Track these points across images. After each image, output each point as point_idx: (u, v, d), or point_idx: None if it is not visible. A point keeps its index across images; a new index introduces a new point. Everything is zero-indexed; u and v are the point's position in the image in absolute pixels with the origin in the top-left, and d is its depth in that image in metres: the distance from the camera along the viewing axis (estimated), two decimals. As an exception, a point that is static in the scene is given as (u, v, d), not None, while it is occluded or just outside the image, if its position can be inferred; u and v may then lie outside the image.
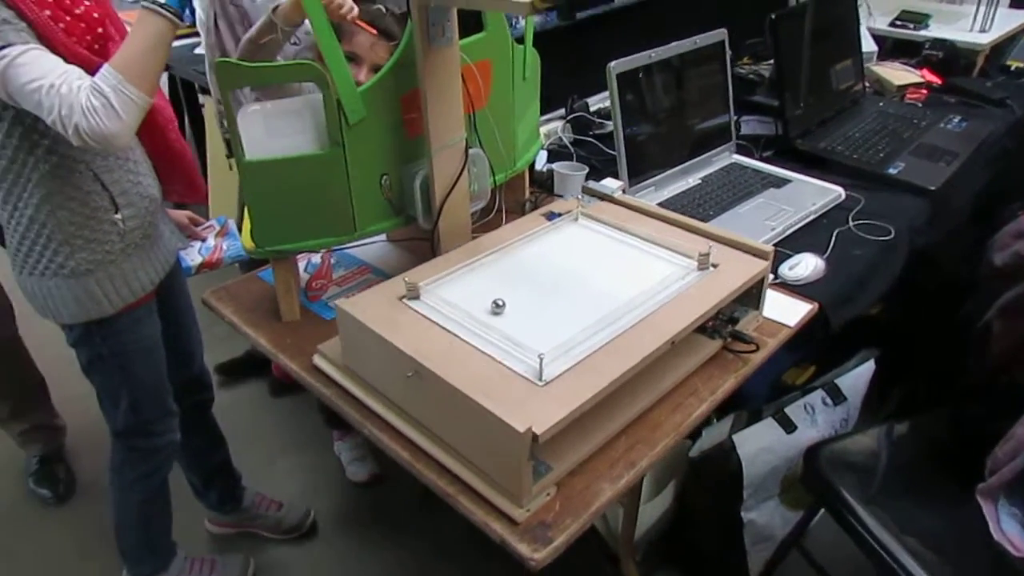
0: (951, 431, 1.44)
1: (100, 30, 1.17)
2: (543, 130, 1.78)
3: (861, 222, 1.43)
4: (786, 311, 1.19)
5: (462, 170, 1.14)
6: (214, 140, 2.68)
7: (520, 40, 1.28)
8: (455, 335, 0.94)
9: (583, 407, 0.83)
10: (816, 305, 1.21)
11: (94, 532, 1.90)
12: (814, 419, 1.61)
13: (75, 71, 1.04)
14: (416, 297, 1.02)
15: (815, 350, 1.91)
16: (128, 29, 1.11)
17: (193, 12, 2.79)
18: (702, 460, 1.54)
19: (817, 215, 1.45)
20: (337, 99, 1.03)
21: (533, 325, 0.96)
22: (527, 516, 0.84)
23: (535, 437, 0.78)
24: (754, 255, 1.09)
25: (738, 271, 1.06)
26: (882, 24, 2.34)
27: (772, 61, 2.05)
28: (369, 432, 0.98)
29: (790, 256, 1.29)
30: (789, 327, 1.16)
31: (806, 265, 1.27)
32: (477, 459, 0.87)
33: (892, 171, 1.58)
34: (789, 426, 1.58)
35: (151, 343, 1.41)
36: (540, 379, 0.86)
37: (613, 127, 1.42)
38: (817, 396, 1.65)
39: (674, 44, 1.48)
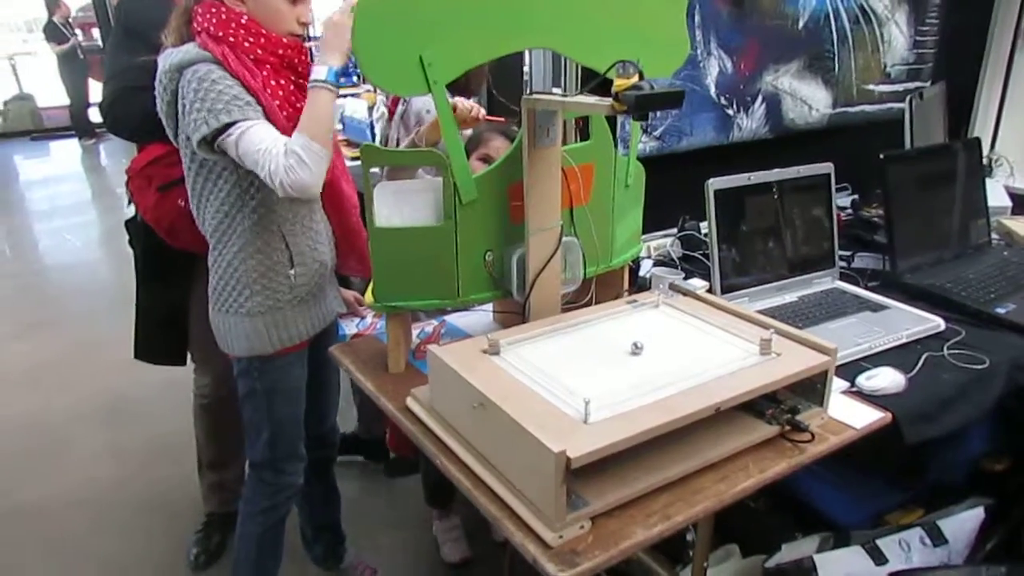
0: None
1: None
2: (653, 244, 1.93)
3: (956, 351, 1.43)
4: (855, 414, 1.21)
5: (554, 252, 1.31)
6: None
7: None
8: (520, 381, 1.07)
9: (617, 445, 0.92)
10: (888, 415, 1.22)
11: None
12: (909, 556, 1.54)
13: (282, 139, 1.35)
14: (496, 353, 1.16)
15: (926, 494, 1.83)
16: None
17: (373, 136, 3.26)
18: (777, 573, 1.50)
19: (910, 340, 1.46)
20: (454, 181, 1.25)
21: (592, 381, 1.07)
22: (560, 543, 0.92)
23: (568, 461, 0.88)
24: (818, 351, 1.15)
25: (799, 360, 1.12)
26: (1022, 183, 2.32)
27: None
28: (441, 463, 1.11)
29: (869, 368, 1.32)
30: (855, 429, 1.18)
31: (883, 377, 1.29)
32: (522, 485, 0.97)
33: (1000, 311, 1.57)
34: (880, 559, 1.52)
35: (295, 388, 1.64)
36: (585, 420, 0.96)
37: (709, 238, 1.54)
38: (915, 534, 1.58)
39: (776, 171, 1.60)
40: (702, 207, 2.04)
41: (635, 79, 1.02)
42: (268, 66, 1.41)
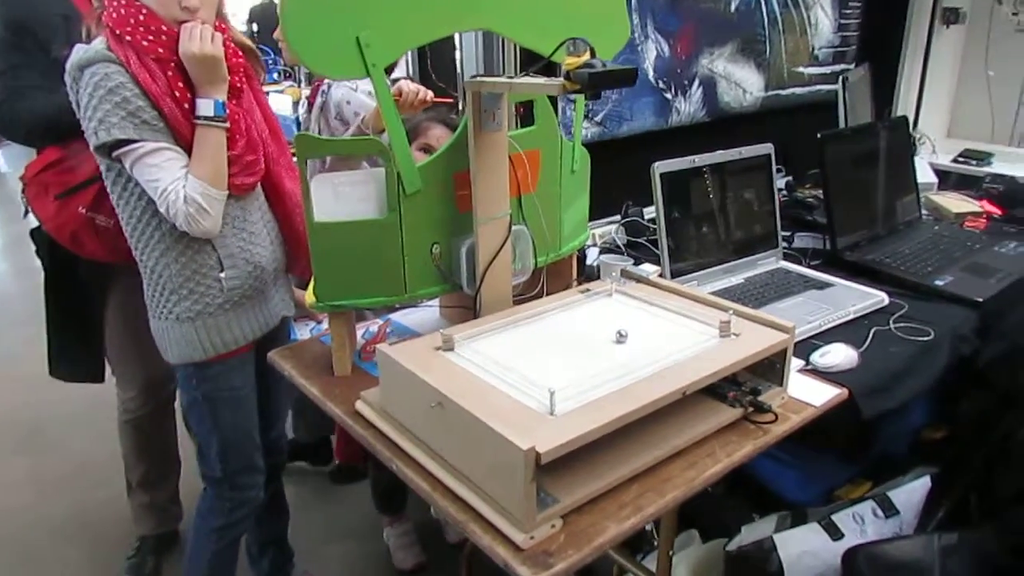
0: (1001, 543, 1.36)
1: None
2: (598, 232, 1.90)
3: (902, 325, 1.45)
4: (813, 393, 1.21)
5: (504, 242, 1.26)
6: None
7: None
8: (478, 377, 1.02)
9: (586, 436, 0.88)
10: (845, 391, 1.22)
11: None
12: (863, 529, 1.56)
13: (180, 180, 1.29)
14: (451, 349, 1.10)
15: (871, 467, 1.86)
16: None
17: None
18: (739, 557, 1.49)
19: (857, 316, 1.47)
20: (397, 171, 1.18)
21: (553, 371, 1.02)
22: (531, 544, 0.87)
23: (538, 457, 0.83)
24: (777, 330, 1.14)
25: (759, 340, 1.10)
26: (945, 160, 2.40)
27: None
28: (397, 468, 1.05)
29: (820, 345, 1.32)
30: (815, 407, 1.17)
31: (836, 354, 1.29)
32: (487, 486, 0.92)
33: (939, 283, 1.60)
34: (836, 533, 1.53)
35: (240, 395, 1.55)
36: (551, 412, 0.92)
37: (657, 222, 1.52)
38: (868, 506, 1.60)
39: (719, 153, 1.60)
40: (645, 193, 2.02)
41: (586, 57, 0.98)
42: (173, 65, 1.30)
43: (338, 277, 1.24)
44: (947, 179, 2.33)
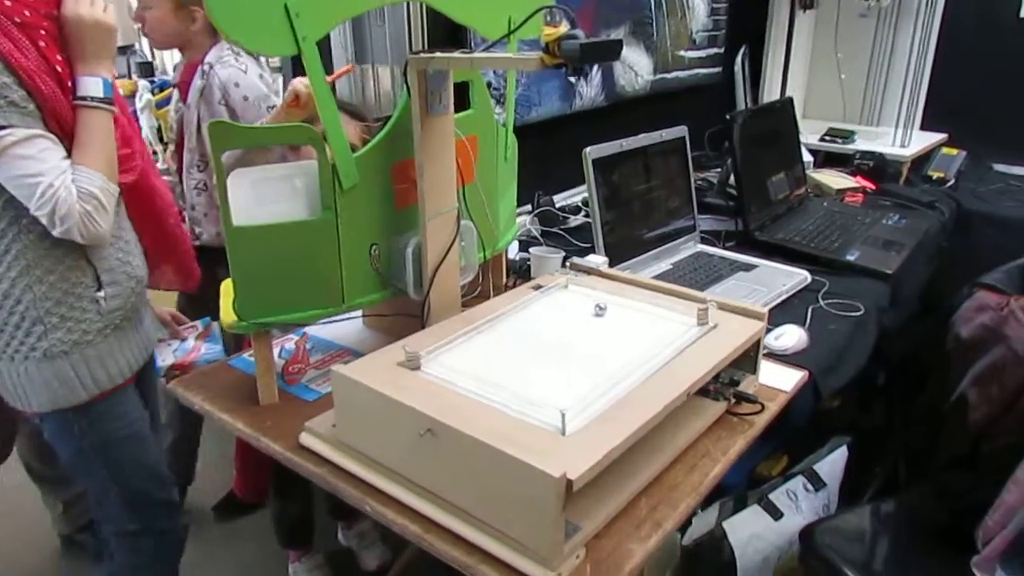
0: (938, 505, 1.43)
1: None
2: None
3: (831, 301, 1.47)
4: (780, 378, 1.18)
5: (454, 239, 1.13)
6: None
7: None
8: (464, 396, 0.89)
9: (612, 454, 0.78)
10: (807, 372, 1.21)
11: None
12: (798, 505, 1.58)
13: (67, 172, 1.05)
14: (417, 367, 0.96)
15: (786, 441, 1.91)
16: None
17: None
18: (695, 549, 1.47)
19: (788, 295, 1.48)
20: (332, 163, 1.02)
21: (546, 384, 0.92)
22: (557, 581, 0.77)
23: (570, 484, 0.73)
24: (749, 316, 1.09)
25: (737, 328, 1.06)
26: (812, 139, 2.52)
27: (719, 170, 2.18)
28: (371, 509, 0.90)
29: (772, 329, 1.31)
30: (786, 392, 1.15)
31: (790, 335, 1.28)
32: (499, 521, 0.80)
33: (850, 257, 1.65)
34: (775, 513, 1.54)
35: (136, 427, 1.30)
36: (563, 432, 0.81)
37: (590, 211, 1.45)
38: (799, 482, 1.62)
39: (643, 136, 1.55)
40: (554, 180, 1.96)
41: (564, 28, 0.88)
42: (43, 32, 1.06)
43: (264, 290, 1.05)
44: (817, 157, 2.45)
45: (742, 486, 1.73)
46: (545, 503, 0.73)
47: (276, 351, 1.26)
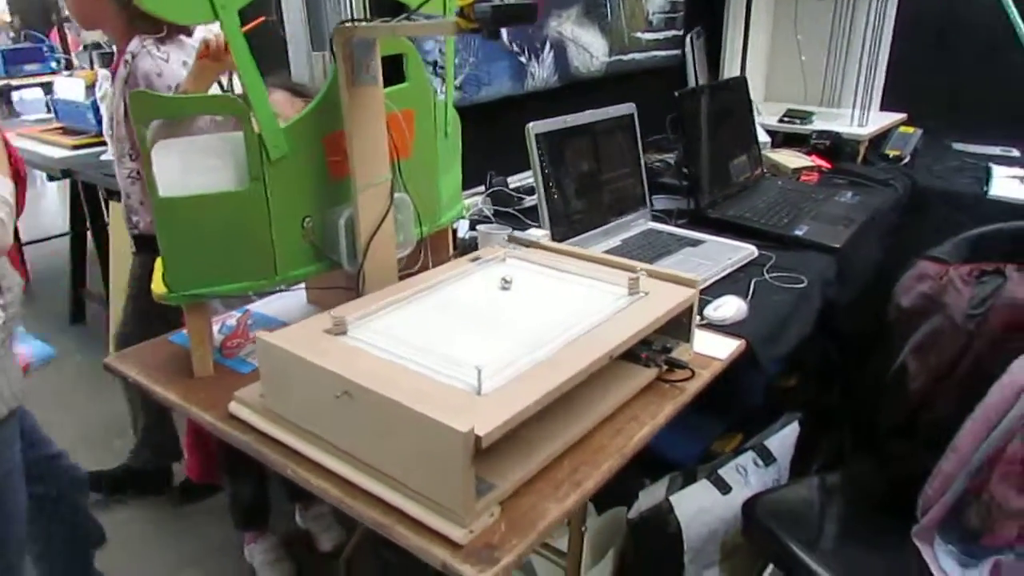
0: (880, 475, 1.45)
1: None
2: (464, 203, 1.80)
3: (776, 274, 1.48)
4: (716, 347, 1.19)
5: (388, 210, 1.13)
6: (119, 247, 2.58)
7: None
8: (384, 360, 0.89)
9: (525, 412, 0.79)
10: (744, 341, 1.22)
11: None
12: (747, 480, 1.60)
13: None
14: (343, 332, 0.97)
15: (741, 420, 1.93)
16: None
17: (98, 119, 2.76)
18: (641, 523, 1.48)
19: (734, 269, 1.49)
20: (258, 133, 1.02)
21: (468, 348, 0.92)
22: (471, 538, 0.77)
23: (478, 440, 0.73)
24: (681, 284, 1.10)
25: (668, 296, 1.06)
26: (771, 120, 2.53)
27: (675, 152, 2.20)
28: (292, 472, 0.90)
29: (712, 300, 1.32)
30: (720, 359, 1.16)
31: (729, 306, 1.29)
32: (413, 481, 0.80)
33: (798, 232, 1.67)
34: (724, 487, 1.55)
35: (17, 468, 1.24)
36: (478, 392, 0.81)
37: (534, 184, 1.45)
38: (748, 457, 1.64)
39: (588, 112, 1.55)
40: (507, 161, 1.96)
41: (478, -8, 0.88)
42: None
43: (194, 262, 1.05)
44: (775, 138, 2.47)
45: (696, 460, 1.75)
46: (454, 460, 0.74)
47: (217, 327, 1.26)
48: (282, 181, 1.06)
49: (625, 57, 2.30)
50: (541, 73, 1.97)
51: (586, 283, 1.12)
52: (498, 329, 0.98)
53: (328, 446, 0.89)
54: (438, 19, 0.92)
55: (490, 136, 1.81)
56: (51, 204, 5.27)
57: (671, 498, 1.49)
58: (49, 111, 3.57)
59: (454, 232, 1.64)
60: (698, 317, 1.27)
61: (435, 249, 1.42)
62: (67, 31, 5.51)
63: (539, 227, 1.44)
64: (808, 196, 1.93)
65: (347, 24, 1.00)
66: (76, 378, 2.87)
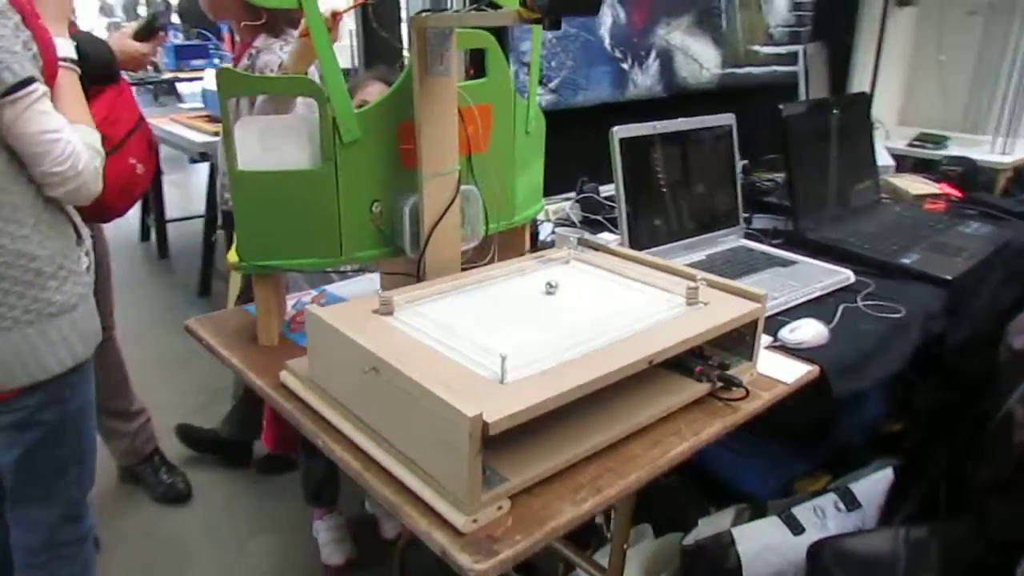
0: (976, 535, 1.30)
1: None
2: (552, 208, 1.80)
3: (871, 302, 1.37)
4: (783, 369, 1.12)
5: (452, 200, 1.14)
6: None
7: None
8: (420, 342, 0.90)
9: (542, 406, 0.77)
10: (817, 368, 1.14)
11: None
12: (824, 524, 1.48)
13: (73, 129, 1.12)
14: (390, 312, 0.98)
15: (830, 459, 1.80)
16: None
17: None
18: (695, 551, 1.40)
19: (823, 293, 1.40)
20: (332, 116, 1.05)
21: (505, 339, 0.91)
22: (474, 528, 0.76)
23: (485, 426, 0.72)
24: (748, 298, 1.04)
25: (729, 309, 1.01)
26: (899, 144, 2.37)
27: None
28: (323, 443, 0.92)
29: (789, 322, 1.24)
30: (786, 384, 1.09)
31: (807, 329, 1.21)
32: (426, 463, 0.80)
33: (905, 260, 1.54)
34: (796, 527, 1.46)
35: (92, 398, 1.34)
36: (502, 381, 0.80)
37: (615, 191, 1.42)
38: (829, 499, 1.53)
39: (680, 120, 1.51)
40: (601, 168, 1.93)
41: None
42: None
43: (265, 235, 1.10)
44: (903, 163, 2.30)
45: (771, 494, 1.64)
46: (461, 444, 0.73)
47: (291, 303, 1.32)
48: (353, 164, 1.09)
49: (740, 70, 2.22)
50: (644, 81, 1.93)
51: (644, 290, 1.08)
52: (540, 324, 0.96)
53: (356, 420, 0.90)
54: (503, 9, 0.92)
55: (587, 141, 1.79)
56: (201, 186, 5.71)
57: (734, 530, 1.41)
58: (202, 100, 3.89)
59: (535, 233, 1.63)
60: (770, 338, 1.21)
61: (510, 247, 1.41)
62: (231, 31, 5.97)
63: (615, 234, 1.41)
64: (927, 224, 1.78)
65: (422, 14, 1.02)
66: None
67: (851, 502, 1.51)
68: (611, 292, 1.08)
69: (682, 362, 1.03)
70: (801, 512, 1.48)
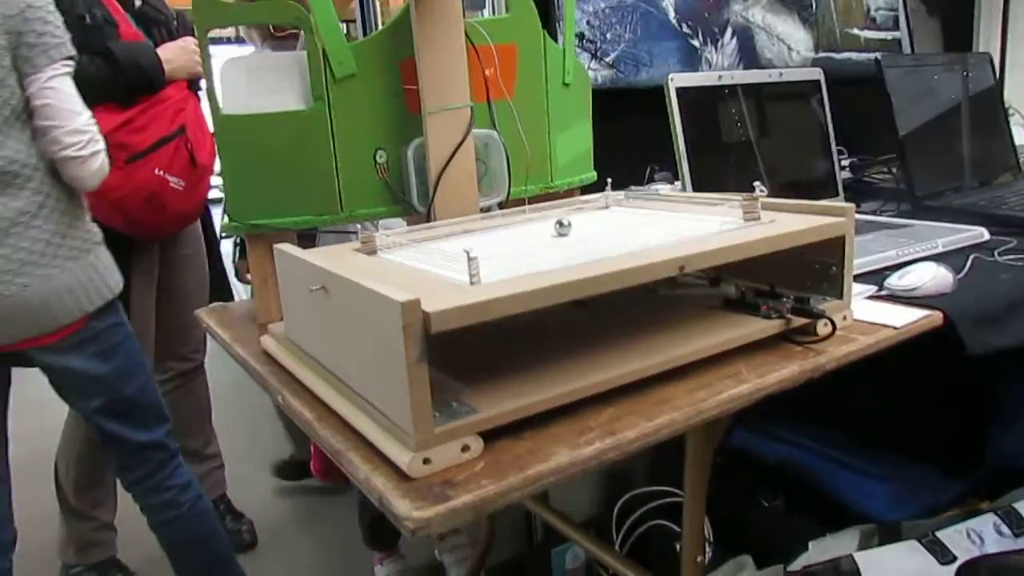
0: None
1: None
2: (593, 174, 1.60)
3: (1010, 258, 1.08)
4: (890, 314, 0.86)
5: (463, 139, 0.98)
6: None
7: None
8: (391, 263, 0.73)
9: (506, 302, 0.57)
10: (939, 313, 0.86)
11: None
12: (983, 550, 1.14)
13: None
14: (372, 252, 0.82)
15: (988, 485, 1.43)
16: None
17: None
18: (805, 578, 1.10)
19: (947, 249, 1.11)
20: (322, 48, 0.93)
21: (509, 263, 0.72)
22: (426, 471, 0.56)
23: (427, 318, 0.53)
24: (829, 215, 0.80)
25: (800, 222, 0.78)
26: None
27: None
28: (283, 400, 0.75)
29: (897, 268, 0.97)
30: (894, 327, 0.82)
31: (922, 272, 0.93)
32: (374, 393, 0.61)
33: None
34: (944, 554, 1.13)
35: (129, 331, 1.45)
36: (471, 282, 0.61)
37: (674, 146, 1.22)
38: (988, 520, 1.19)
39: (753, 72, 1.30)
40: (672, 157, 1.73)
41: None
42: None
43: (255, 189, 0.98)
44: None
45: (899, 518, 1.30)
46: (396, 346, 0.54)
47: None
48: (349, 104, 0.96)
49: (837, 56, 1.97)
50: (720, 61, 1.73)
51: (692, 217, 0.87)
52: (551, 250, 0.77)
53: (318, 367, 0.73)
54: None
55: (654, 127, 1.60)
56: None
57: (857, 555, 1.11)
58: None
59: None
60: (872, 287, 0.95)
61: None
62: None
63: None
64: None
65: (411, -83, 0.90)
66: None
67: (1018, 525, 1.17)
68: (650, 222, 0.87)
69: (746, 300, 0.80)
70: (949, 536, 1.15)
